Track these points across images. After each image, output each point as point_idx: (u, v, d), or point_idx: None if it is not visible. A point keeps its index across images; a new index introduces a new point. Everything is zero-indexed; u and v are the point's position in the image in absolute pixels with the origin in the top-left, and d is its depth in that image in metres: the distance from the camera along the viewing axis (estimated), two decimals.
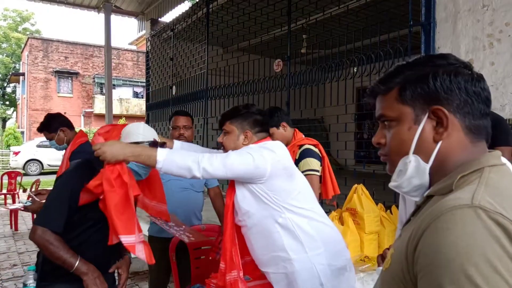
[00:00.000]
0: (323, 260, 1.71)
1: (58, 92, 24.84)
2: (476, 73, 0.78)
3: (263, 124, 1.88)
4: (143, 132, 1.85)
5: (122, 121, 20.71)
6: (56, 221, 1.70)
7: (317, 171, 2.50)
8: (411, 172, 0.80)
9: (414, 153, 0.79)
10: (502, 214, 0.62)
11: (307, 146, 2.60)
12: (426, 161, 0.78)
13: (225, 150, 1.86)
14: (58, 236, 1.70)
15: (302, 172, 2.23)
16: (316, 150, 2.62)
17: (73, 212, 1.73)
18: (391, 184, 0.86)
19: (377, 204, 2.85)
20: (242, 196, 1.74)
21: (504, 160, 0.77)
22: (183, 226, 2.44)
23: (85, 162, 1.83)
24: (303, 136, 2.70)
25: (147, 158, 1.63)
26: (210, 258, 2.53)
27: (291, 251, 1.69)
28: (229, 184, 1.82)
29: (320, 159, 2.60)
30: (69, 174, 1.81)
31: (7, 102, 33.78)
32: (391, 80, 0.82)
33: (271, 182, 1.69)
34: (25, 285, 1.77)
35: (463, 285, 0.59)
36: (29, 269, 1.82)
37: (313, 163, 2.48)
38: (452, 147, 0.76)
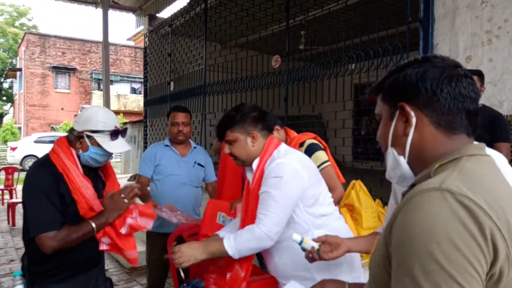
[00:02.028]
0: (346, 276, 1.61)
1: (55, 88, 24.76)
2: (453, 72, 0.81)
3: (264, 119, 1.77)
4: (103, 119, 1.77)
5: (119, 117, 20.65)
6: (52, 222, 1.64)
7: (328, 161, 2.46)
8: (391, 164, 0.88)
9: (392, 146, 0.87)
10: (468, 197, 0.65)
11: (309, 141, 2.56)
12: (402, 154, 0.85)
13: (238, 161, 1.77)
14: (62, 229, 1.65)
15: (318, 167, 2.21)
16: (317, 142, 2.61)
17: (58, 207, 1.68)
18: (386, 175, 0.94)
19: (374, 200, 2.85)
20: None
21: (490, 152, 0.81)
22: (178, 212, 2.57)
23: (40, 165, 1.76)
24: (295, 133, 2.68)
25: (221, 255, 1.63)
26: None
27: (316, 272, 1.61)
28: (251, 195, 1.71)
29: (324, 149, 2.57)
30: (34, 178, 1.72)
31: (4, 98, 33.64)
32: (382, 82, 0.90)
33: (306, 195, 1.63)
34: None
35: (424, 261, 0.63)
36: (15, 275, 1.72)
37: (322, 155, 2.42)
38: (425, 140, 0.82)
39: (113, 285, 2.03)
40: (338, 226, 1.74)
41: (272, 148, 1.73)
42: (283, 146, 1.77)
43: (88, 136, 1.75)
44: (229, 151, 1.76)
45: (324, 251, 1.37)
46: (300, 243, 1.40)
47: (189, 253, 1.61)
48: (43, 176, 1.68)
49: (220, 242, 1.62)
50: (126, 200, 1.78)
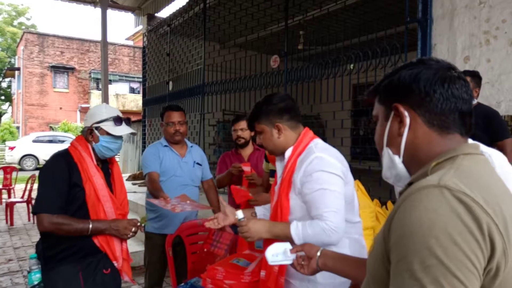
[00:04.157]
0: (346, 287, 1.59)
1: (54, 87, 24.71)
2: (446, 74, 0.83)
3: (291, 110, 1.76)
4: (106, 111, 2.03)
5: None
6: (54, 204, 1.84)
7: None
8: (387, 163, 0.90)
9: (387, 146, 0.89)
10: (465, 193, 0.67)
11: None
12: (397, 153, 0.87)
13: (268, 151, 1.84)
14: (62, 214, 1.85)
15: None
16: None
17: (63, 195, 1.87)
18: (382, 174, 0.95)
19: (372, 200, 2.87)
20: (297, 206, 1.65)
21: (489, 151, 0.82)
22: (188, 201, 2.44)
23: (58, 155, 1.97)
24: None
25: (285, 239, 1.56)
26: (205, 250, 2.54)
27: (320, 274, 1.51)
28: (283, 183, 1.70)
29: None
30: (48, 166, 1.94)
31: (3, 97, 33.57)
32: (379, 84, 0.92)
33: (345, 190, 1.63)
34: (29, 271, 1.87)
35: (423, 256, 0.64)
36: (31, 257, 1.92)
37: None
38: (419, 140, 0.83)
39: None
40: (359, 240, 1.73)
41: (307, 140, 1.73)
42: (319, 140, 1.75)
43: (97, 128, 2.00)
44: (260, 142, 1.81)
45: (299, 263, 1.37)
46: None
47: (255, 230, 1.61)
48: (57, 164, 1.91)
49: (287, 227, 1.59)
50: (129, 234, 1.98)
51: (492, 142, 2.69)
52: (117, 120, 2.02)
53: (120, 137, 2.03)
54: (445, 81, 0.82)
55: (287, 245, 1.40)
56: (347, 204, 1.64)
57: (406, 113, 0.84)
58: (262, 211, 1.97)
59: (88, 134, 2.01)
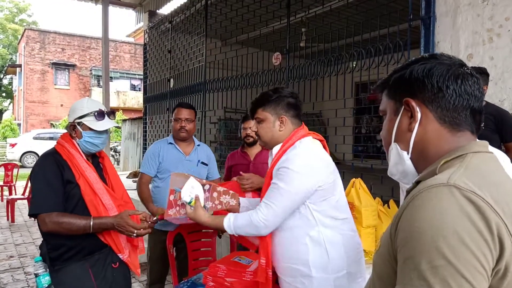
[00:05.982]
0: (345, 282, 1.61)
1: (55, 84, 24.72)
2: (459, 70, 0.82)
3: (297, 107, 1.79)
4: (87, 105, 1.98)
5: (119, 114, 20.62)
6: (51, 202, 1.80)
7: None
8: (394, 159, 0.89)
9: (395, 141, 0.88)
10: (474, 192, 0.66)
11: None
12: (406, 149, 0.86)
13: (261, 142, 1.83)
14: (61, 212, 1.81)
15: None
16: None
17: (59, 192, 1.84)
18: (388, 171, 0.94)
19: (374, 198, 2.85)
20: None
21: (492, 149, 0.81)
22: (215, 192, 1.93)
23: (46, 154, 1.95)
24: None
25: (216, 227, 1.80)
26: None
27: (314, 268, 1.58)
28: (266, 179, 1.74)
29: None
30: (39, 166, 1.91)
31: (4, 94, 33.60)
32: (388, 78, 0.91)
33: (315, 194, 1.61)
34: (37, 275, 1.83)
35: (431, 256, 0.63)
36: (36, 261, 1.88)
37: None
38: (429, 136, 0.82)
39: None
40: (353, 236, 1.73)
41: (296, 138, 1.72)
42: (309, 139, 1.73)
43: (79, 123, 1.95)
44: (255, 129, 1.82)
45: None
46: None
47: (198, 214, 1.76)
48: (47, 163, 1.88)
49: (222, 220, 1.71)
50: (135, 232, 1.87)
51: (502, 143, 2.67)
52: (99, 115, 1.96)
53: (104, 131, 1.99)
54: (459, 77, 0.80)
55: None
56: (323, 200, 1.62)
57: (417, 108, 0.82)
58: (246, 203, 1.95)
59: (71, 130, 1.98)
